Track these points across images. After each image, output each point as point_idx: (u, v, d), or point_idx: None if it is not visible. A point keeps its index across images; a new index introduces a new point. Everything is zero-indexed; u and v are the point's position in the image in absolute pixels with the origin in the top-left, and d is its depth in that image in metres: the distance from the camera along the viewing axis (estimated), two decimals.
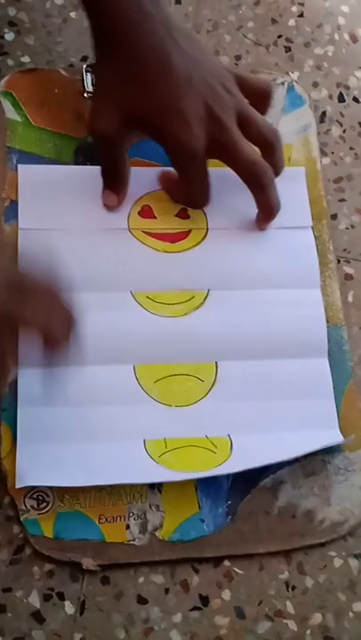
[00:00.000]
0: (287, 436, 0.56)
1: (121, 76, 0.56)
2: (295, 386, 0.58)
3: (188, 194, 0.60)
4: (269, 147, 0.59)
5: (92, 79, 0.65)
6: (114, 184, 0.61)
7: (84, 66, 0.66)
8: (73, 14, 0.69)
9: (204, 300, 0.59)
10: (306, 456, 0.56)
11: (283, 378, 0.58)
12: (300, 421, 0.57)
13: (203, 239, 0.61)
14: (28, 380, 0.55)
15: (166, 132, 0.56)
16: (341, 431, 0.57)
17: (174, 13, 0.65)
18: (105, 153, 0.60)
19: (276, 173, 0.59)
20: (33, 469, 0.53)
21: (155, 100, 0.56)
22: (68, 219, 0.59)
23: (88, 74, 0.65)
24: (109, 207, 0.61)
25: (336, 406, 0.58)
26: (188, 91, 0.56)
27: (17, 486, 0.52)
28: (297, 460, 0.56)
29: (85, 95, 0.65)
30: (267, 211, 0.60)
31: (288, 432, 0.56)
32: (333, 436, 0.56)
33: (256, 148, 0.59)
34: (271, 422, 0.57)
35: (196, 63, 0.57)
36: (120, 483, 0.53)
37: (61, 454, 0.54)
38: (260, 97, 0.61)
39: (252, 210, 0.60)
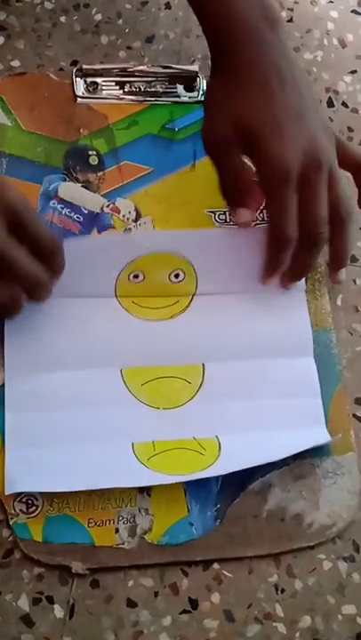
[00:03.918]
0: (275, 436, 0.56)
1: (236, 88, 0.57)
2: (282, 385, 0.58)
3: (278, 224, 0.56)
4: (337, 216, 0.57)
5: (82, 83, 0.66)
6: (240, 197, 0.58)
7: (74, 70, 0.66)
8: (63, 19, 0.69)
9: (189, 303, 0.59)
10: (295, 459, 0.56)
11: (270, 378, 0.58)
12: (288, 421, 0.57)
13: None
14: (16, 385, 0.55)
15: (267, 146, 0.55)
16: (330, 434, 0.57)
17: (164, 17, 0.65)
18: (222, 161, 0.58)
19: (341, 256, 0.59)
20: (22, 475, 0.53)
21: (263, 114, 0.55)
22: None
23: (78, 78, 0.66)
24: (245, 224, 0.59)
25: (325, 409, 0.58)
26: (297, 121, 0.56)
27: (6, 492, 0.52)
28: (286, 463, 0.56)
29: (76, 100, 0.65)
30: (298, 272, 0.59)
31: (276, 431, 0.57)
32: (321, 436, 0.57)
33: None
34: (259, 422, 0.57)
35: (308, 105, 0.57)
36: (109, 487, 0.54)
37: (50, 460, 0.54)
38: (354, 168, 0.60)
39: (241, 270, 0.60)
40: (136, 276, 0.59)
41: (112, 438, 0.55)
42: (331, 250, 0.59)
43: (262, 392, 0.58)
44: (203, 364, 0.58)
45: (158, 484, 0.54)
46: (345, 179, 0.59)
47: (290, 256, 0.57)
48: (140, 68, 0.67)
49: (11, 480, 0.53)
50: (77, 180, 0.63)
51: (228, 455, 0.55)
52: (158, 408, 0.57)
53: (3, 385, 0.56)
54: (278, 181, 0.55)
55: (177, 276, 0.59)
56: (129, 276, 0.58)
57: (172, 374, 0.58)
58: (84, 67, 0.66)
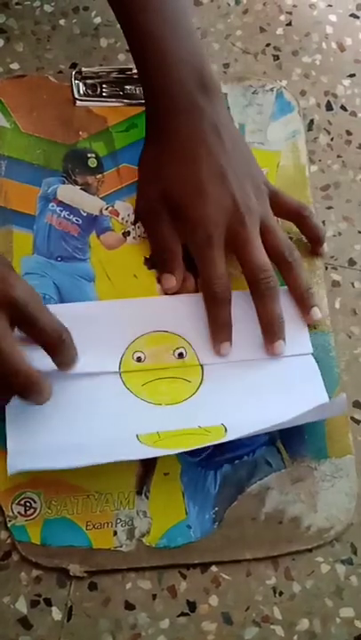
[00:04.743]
0: (276, 401, 0.57)
1: (164, 161, 0.60)
2: (281, 366, 0.58)
3: (205, 281, 0.58)
4: (283, 263, 0.59)
5: (81, 86, 0.66)
6: (164, 265, 0.60)
7: (74, 73, 0.66)
8: (62, 22, 0.70)
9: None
10: (293, 462, 0.56)
11: (269, 369, 0.58)
12: (286, 382, 0.58)
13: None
14: None
15: (188, 213, 0.58)
16: (328, 439, 0.57)
17: None
18: (151, 232, 0.61)
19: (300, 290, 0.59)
20: (23, 454, 0.53)
21: (186, 183, 0.58)
22: None
23: (77, 81, 0.66)
24: (169, 290, 0.60)
25: None
26: (219, 182, 0.58)
27: (9, 473, 0.52)
28: (284, 465, 0.56)
29: (75, 102, 0.65)
30: (266, 323, 0.58)
31: (275, 395, 0.57)
32: (320, 396, 0.57)
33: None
34: (259, 393, 0.57)
35: (234, 164, 0.59)
36: (111, 461, 0.53)
37: (52, 441, 0.54)
38: (293, 216, 0.62)
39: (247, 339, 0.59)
40: (139, 359, 0.58)
41: (116, 430, 0.55)
42: (293, 295, 0.60)
43: (262, 380, 0.58)
44: (201, 365, 0.58)
45: (165, 454, 0.54)
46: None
47: (229, 313, 0.58)
48: None
49: (12, 460, 0.52)
50: (76, 183, 0.63)
51: (234, 430, 0.55)
52: (160, 404, 0.57)
53: None
54: (202, 245, 0.57)
55: (180, 355, 0.59)
56: (133, 355, 0.58)
57: (171, 375, 0.58)
58: (84, 69, 0.67)
